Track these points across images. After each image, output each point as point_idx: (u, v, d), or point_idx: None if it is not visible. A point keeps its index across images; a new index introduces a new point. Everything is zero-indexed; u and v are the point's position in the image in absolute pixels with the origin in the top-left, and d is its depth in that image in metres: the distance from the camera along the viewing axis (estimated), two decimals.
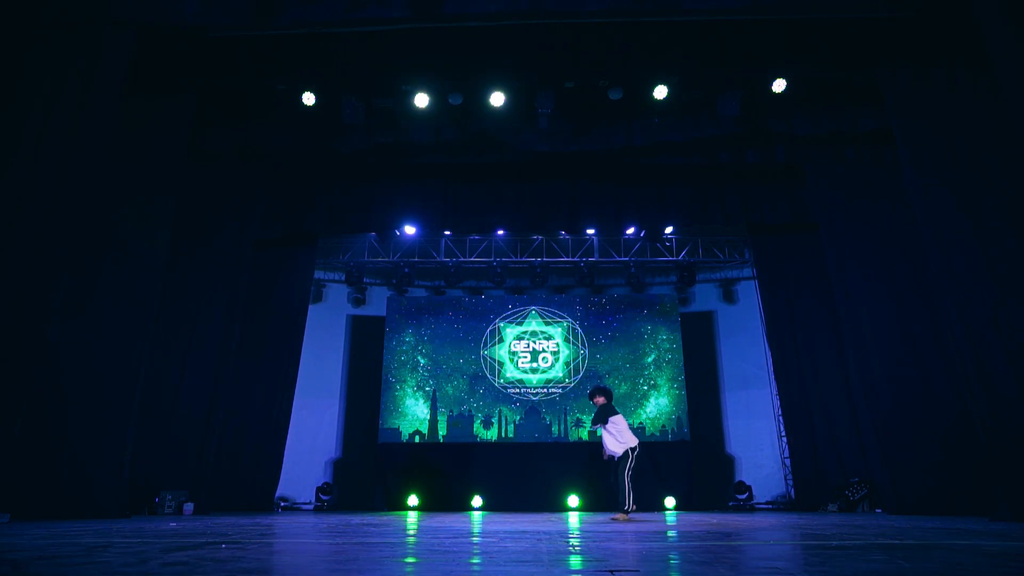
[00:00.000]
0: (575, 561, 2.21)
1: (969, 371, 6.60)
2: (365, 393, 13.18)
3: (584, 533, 3.99)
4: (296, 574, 1.86)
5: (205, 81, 7.82)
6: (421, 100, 8.62)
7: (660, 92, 8.48)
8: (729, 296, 14.00)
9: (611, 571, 1.84)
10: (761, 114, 8.94)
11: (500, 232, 12.18)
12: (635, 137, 9.09)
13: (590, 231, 12.21)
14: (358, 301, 14.09)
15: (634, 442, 6.73)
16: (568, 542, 3.00)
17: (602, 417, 6.84)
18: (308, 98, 8.62)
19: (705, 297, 14.26)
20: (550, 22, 7.00)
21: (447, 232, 12.50)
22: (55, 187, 5.88)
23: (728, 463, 12.81)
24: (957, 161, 7.25)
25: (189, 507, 8.37)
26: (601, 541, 3.11)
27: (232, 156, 9.40)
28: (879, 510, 9.15)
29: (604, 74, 8.10)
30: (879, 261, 8.93)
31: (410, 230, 11.79)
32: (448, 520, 6.31)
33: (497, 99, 8.55)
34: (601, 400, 7.02)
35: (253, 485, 10.22)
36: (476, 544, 2.95)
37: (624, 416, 6.95)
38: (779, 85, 8.49)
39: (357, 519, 6.62)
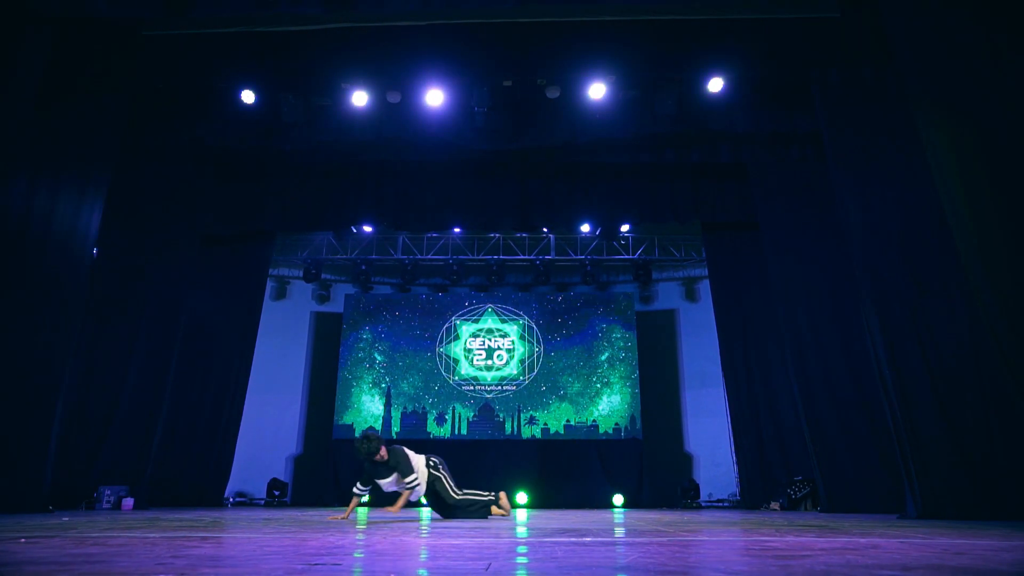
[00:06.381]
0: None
1: (885, 372, 6.63)
2: (327, 390, 13.25)
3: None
4: (32, 566, 1.90)
5: (138, 80, 7.85)
6: (359, 98, 8.63)
7: (596, 91, 8.48)
8: (691, 294, 14.05)
9: (311, 564, 1.88)
10: (701, 113, 8.95)
11: (456, 230, 12.22)
12: (577, 134, 9.08)
13: (544, 229, 12.25)
14: (322, 298, 14.15)
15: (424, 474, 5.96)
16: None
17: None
18: (247, 96, 8.64)
19: (668, 295, 14.30)
20: (472, 22, 7.04)
21: (404, 230, 12.53)
22: None
23: (686, 461, 12.85)
24: (881, 160, 7.27)
25: (129, 502, 8.44)
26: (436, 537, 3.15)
27: (178, 154, 9.45)
28: (819, 508, 9.19)
29: (535, 73, 8.12)
30: (817, 262, 8.95)
31: (366, 228, 11.82)
32: (375, 515, 6.35)
33: (434, 97, 8.57)
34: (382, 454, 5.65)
35: (202, 481, 10.28)
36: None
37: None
38: (715, 84, 8.49)
39: (267, 514, 6.68)
